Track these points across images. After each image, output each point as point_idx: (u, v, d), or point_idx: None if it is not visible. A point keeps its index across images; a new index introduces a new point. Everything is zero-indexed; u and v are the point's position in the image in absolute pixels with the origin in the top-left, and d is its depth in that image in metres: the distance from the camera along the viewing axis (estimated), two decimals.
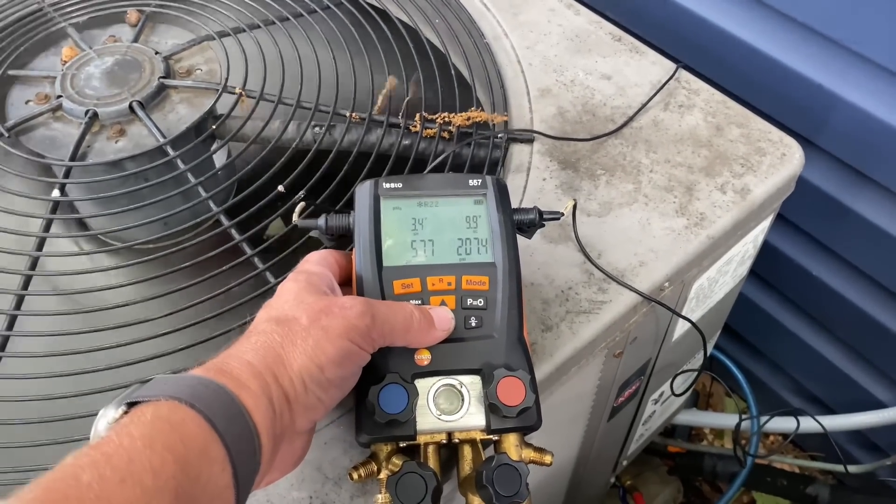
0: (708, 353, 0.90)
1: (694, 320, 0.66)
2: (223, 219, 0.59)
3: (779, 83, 0.86)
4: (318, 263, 0.43)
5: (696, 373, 0.85)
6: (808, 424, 1.02)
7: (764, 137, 0.66)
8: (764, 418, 1.05)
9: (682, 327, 0.70)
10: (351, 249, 0.46)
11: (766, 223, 0.69)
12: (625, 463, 1.00)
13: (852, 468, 1.08)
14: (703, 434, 1.33)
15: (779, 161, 0.64)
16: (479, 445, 0.43)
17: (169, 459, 0.29)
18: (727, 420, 1.12)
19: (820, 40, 0.81)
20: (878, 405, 1.00)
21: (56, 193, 0.61)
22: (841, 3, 0.76)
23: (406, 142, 0.64)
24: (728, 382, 1.10)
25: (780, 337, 1.11)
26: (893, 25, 0.73)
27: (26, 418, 0.48)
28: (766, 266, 1.05)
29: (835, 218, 0.91)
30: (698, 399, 1.26)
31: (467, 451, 0.43)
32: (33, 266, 0.57)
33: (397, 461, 0.41)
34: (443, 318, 0.42)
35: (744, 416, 1.03)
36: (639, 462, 1.18)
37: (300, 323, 0.37)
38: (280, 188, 0.59)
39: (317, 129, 0.65)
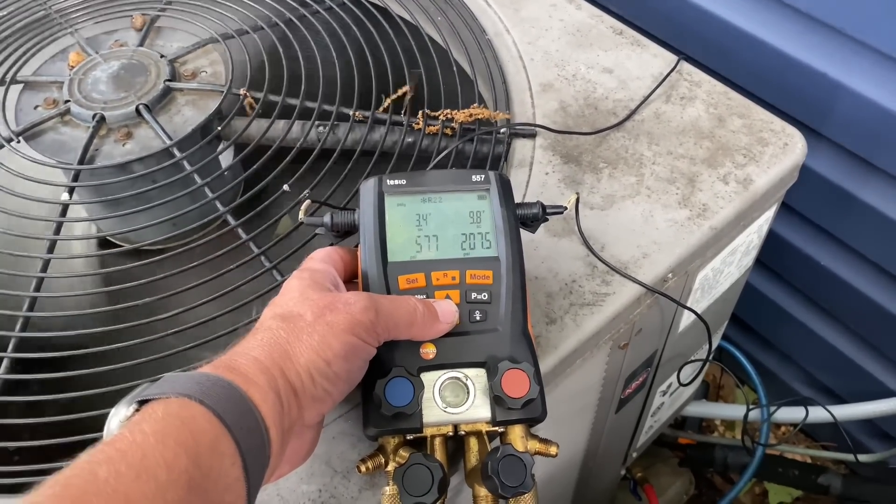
0: (714, 344, 0.90)
1: (699, 311, 0.66)
2: (230, 218, 0.60)
3: (783, 73, 0.86)
4: (322, 261, 0.44)
5: (703, 363, 0.85)
6: (817, 414, 1.02)
7: (766, 128, 0.66)
8: (772, 408, 1.05)
9: (687, 318, 0.70)
10: (356, 246, 0.47)
11: (769, 213, 0.69)
12: (635, 455, 1.00)
13: (864, 457, 1.08)
14: (713, 425, 1.33)
15: (781, 151, 0.64)
16: (485, 437, 0.43)
17: (181, 454, 0.30)
18: (736, 411, 1.12)
19: (823, 29, 0.81)
20: (888, 394, 1.00)
21: (66, 196, 0.62)
22: None
23: (409, 139, 0.65)
24: (738, 373, 1.10)
25: (789, 327, 1.11)
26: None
27: (40, 417, 0.49)
28: (774, 256, 1.05)
29: (841, 207, 0.91)
30: (708, 390, 1.27)
31: (473, 443, 0.43)
32: (45, 268, 0.58)
33: (404, 453, 0.41)
34: (446, 311, 0.43)
35: (752, 406, 1.03)
36: (649, 454, 1.18)
37: (305, 319, 0.38)
38: (285, 187, 0.60)
39: (321, 128, 0.66)
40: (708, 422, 1.32)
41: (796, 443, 1.26)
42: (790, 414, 1.06)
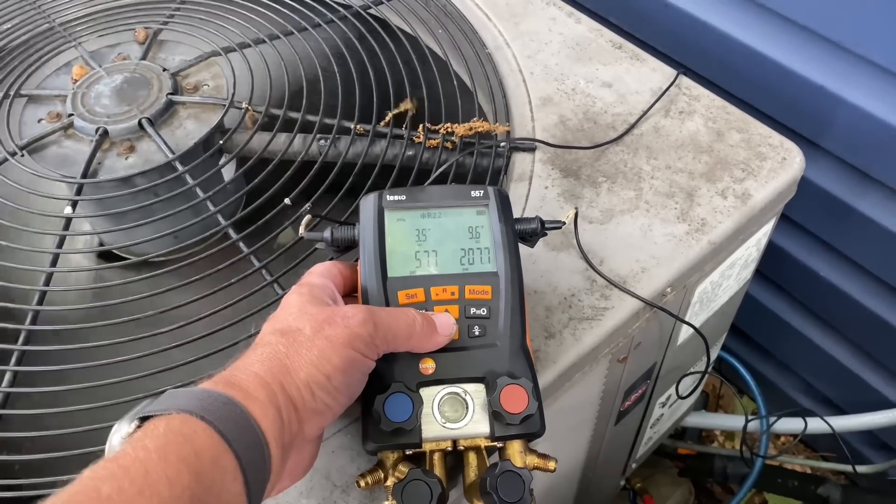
0: (713, 357, 0.91)
1: (698, 324, 0.67)
2: (231, 232, 0.60)
3: (781, 86, 0.87)
4: (321, 275, 0.44)
5: (701, 376, 0.85)
6: (816, 425, 1.02)
7: (764, 142, 0.66)
8: (772, 419, 1.05)
9: (686, 331, 0.70)
10: (356, 261, 0.47)
11: (768, 227, 0.69)
12: (634, 466, 1.01)
13: (864, 468, 1.08)
14: (713, 436, 1.33)
15: (779, 165, 0.64)
16: (484, 452, 0.44)
17: (183, 470, 0.30)
18: (735, 421, 1.12)
19: (821, 42, 0.81)
20: (888, 405, 1.00)
21: (69, 210, 0.62)
22: (842, 5, 0.77)
23: (410, 152, 0.65)
24: (737, 383, 1.10)
25: (789, 338, 1.11)
26: (894, 27, 0.74)
27: (42, 431, 0.50)
28: (774, 267, 1.05)
29: (840, 219, 0.92)
30: (708, 401, 1.27)
31: (472, 458, 0.43)
32: (48, 282, 0.58)
33: (403, 469, 0.42)
34: (445, 323, 0.43)
35: (751, 417, 1.03)
36: (649, 464, 1.18)
37: (304, 333, 0.38)
38: (286, 201, 0.60)
39: (322, 141, 0.66)
40: (708, 432, 1.32)
41: (796, 453, 1.26)
42: (790, 424, 1.06)
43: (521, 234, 0.49)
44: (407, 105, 0.67)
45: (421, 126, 0.66)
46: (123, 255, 0.70)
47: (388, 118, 0.67)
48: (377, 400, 0.41)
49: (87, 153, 0.63)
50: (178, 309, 0.55)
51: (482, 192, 0.49)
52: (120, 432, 0.33)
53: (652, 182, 0.63)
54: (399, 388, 0.41)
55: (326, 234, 0.48)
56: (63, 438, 0.49)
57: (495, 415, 0.42)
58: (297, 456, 0.39)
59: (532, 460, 0.43)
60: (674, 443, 1.22)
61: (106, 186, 0.64)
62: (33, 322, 0.56)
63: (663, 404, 0.88)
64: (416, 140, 0.66)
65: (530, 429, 0.42)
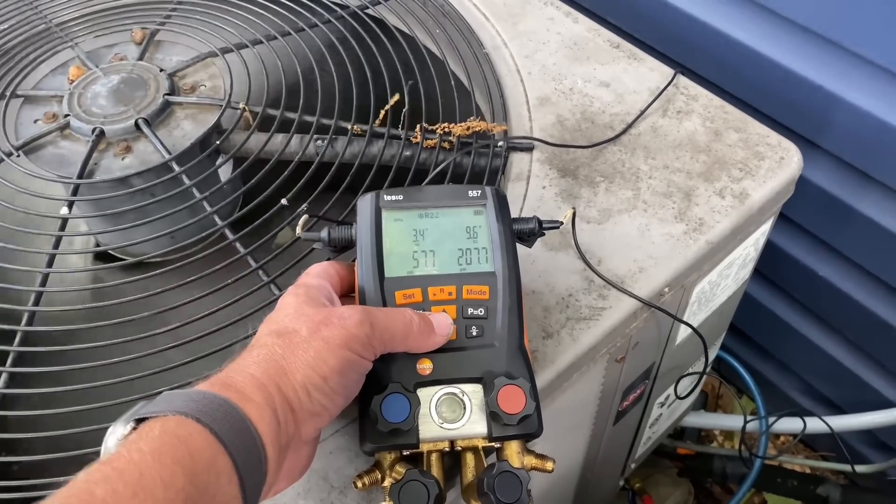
0: (710, 357, 0.91)
1: (696, 324, 0.67)
2: (228, 232, 0.60)
3: (780, 85, 0.87)
4: (317, 276, 0.44)
5: (699, 376, 0.85)
6: (815, 425, 1.02)
7: (762, 142, 0.66)
8: (771, 419, 1.05)
9: (685, 331, 0.70)
10: (353, 261, 0.47)
11: (766, 226, 0.69)
12: (633, 466, 1.00)
13: (863, 468, 1.08)
14: (713, 435, 1.33)
15: (777, 165, 0.64)
16: (482, 453, 0.44)
17: (178, 472, 0.30)
18: (734, 421, 1.12)
19: (820, 42, 0.81)
20: (887, 404, 1.00)
21: (65, 210, 0.62)
22: (840, 5, 0.77)
23: (407, 153, 0.65)
24: (736, 383, 1.10)
25: (788, 337, 1.11)
26: (892, 27, 0.73)
27: (39, 432, 0.50)
28: (773, 267, 1.05)
29: (839, 218, 0.92)
30: (707, 400, 1.27)
31: (469, 459, 0.43)
32: (44, 282, 0.58)
33: (401, 469, 0.42)
34: (442, 323, 0.43)
35: (750, 418, 1.03)
36: (648, 464, 1.18)
37: (300, 335, 0.38)
38: (283, 201, 0.60)
39: (319, 142, 0.66)
40: (707, 432, 1.32)
41: (795, 453, 1.26)
42: (789, 424, 1.06)
43: (519, 234, 0.49)
44: (395, 99, 0.67)
45: (418, 126, 0.66)
46: (120, 256, 0.70)
47: (382, 115, 0.67)
48: (374, 400, 0.41)
49: (84, 153, 0.63)
50: (175, 309, 0.55)
51: (480, 191, 0.48)
52: (115, 434, 0.33)
53: (650, 182, 0.63)
54: (396, 389, 0.41)
55: (323, 234, 0.48)
56: (60, 440, 0.48)
57: (493, 415, 0.41)
58: (293, 457, 0.39)
59: (530, 461, 0.43)
60: (673, 443, 1.22)
61: (102, 187, 0.64)
62: (30, 323, 0.56)
63: (662, 404, 0.88)
64: (414, 140, 0.66)
65: (528, 429, 0.42)
